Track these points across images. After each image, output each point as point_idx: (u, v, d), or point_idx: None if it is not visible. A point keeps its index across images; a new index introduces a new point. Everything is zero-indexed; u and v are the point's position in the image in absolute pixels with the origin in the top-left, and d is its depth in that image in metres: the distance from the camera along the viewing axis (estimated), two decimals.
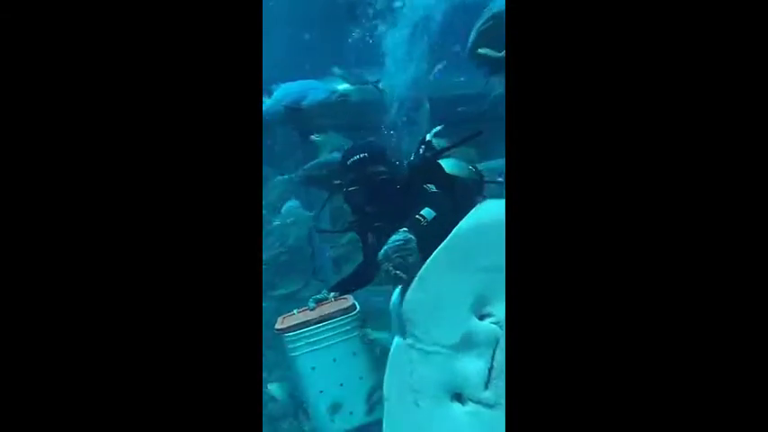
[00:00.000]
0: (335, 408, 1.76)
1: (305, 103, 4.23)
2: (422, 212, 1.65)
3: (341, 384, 1.76)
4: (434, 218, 1.64)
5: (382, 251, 1.46)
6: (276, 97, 4.35)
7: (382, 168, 1.95)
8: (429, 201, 1.79)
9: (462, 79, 4.60)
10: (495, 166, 2.39)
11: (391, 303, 1.46)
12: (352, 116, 4.08)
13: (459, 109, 4.25)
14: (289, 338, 1.75)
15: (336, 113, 4.10)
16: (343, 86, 4.32)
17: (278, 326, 1.79)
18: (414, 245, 1.46)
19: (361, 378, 1.78)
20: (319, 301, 1.87)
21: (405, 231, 1.50)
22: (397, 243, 1.46)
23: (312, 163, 3.91)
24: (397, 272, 1.43)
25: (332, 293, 1.93)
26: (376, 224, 1.99)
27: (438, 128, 2.21)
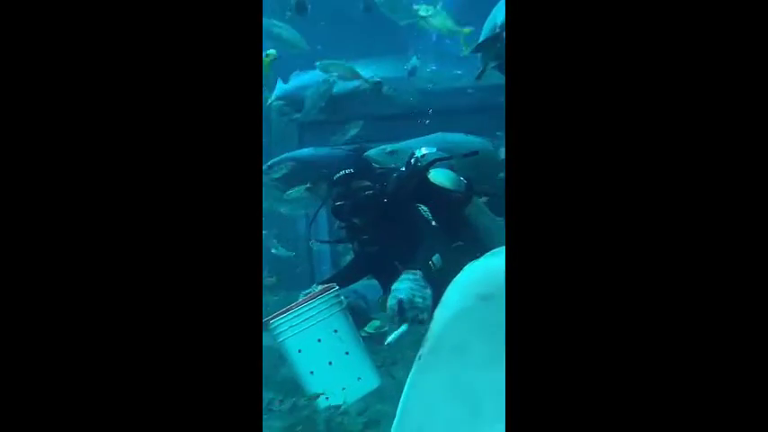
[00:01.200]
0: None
1: (335, 90, 4.15)
2: (433, 259, 1.74)
3: (330, 363, 1.83)
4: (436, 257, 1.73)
5: (403, 294, 1.53)
6: (299, 83, 4.29)
7: (367, 183, 2.02)
8: (424, 229, 1.88)
9: (459, 72, 4.62)
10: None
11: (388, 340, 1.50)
12: (383, 106, 4.03)
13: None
14: (273, 325, 1.83)
15: (367, 102, 4.03)
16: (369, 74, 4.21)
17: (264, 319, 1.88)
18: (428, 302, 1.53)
19: (347, 353, 1.85)
20: (308, 295, 1.95)
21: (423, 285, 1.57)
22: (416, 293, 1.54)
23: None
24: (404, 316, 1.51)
25: (320, 287, 2.00)
26: (363, 237, 2.08)
27: (429, 149, 2.26)
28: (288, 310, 1.84)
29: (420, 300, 1.51)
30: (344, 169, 2.04)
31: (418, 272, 1.58)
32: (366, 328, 3.01)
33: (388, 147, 3.20)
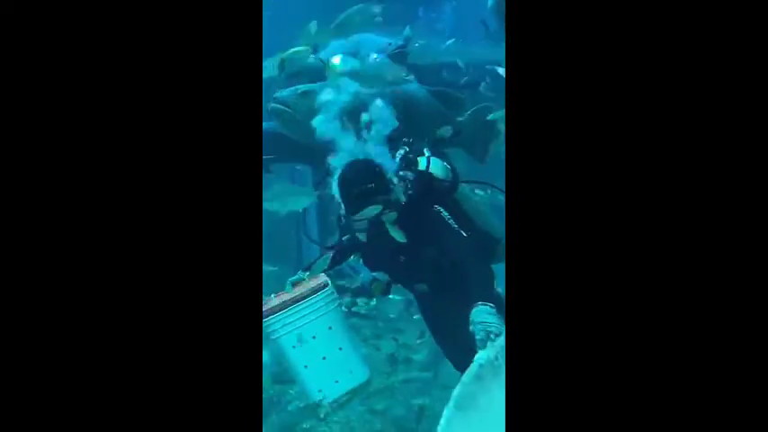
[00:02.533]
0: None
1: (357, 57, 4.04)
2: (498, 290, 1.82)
3: (323, 358, 1.93)
4: None
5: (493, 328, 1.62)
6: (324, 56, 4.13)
7: (383, 197, 1.99)
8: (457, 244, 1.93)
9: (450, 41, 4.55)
10: None
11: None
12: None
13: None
14: (266, 324, 1.88)
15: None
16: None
17: None
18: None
19: (340, 349, 1.95)
20: (295, 283, 1.99)
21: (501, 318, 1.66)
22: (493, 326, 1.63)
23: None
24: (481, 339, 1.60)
25: (306, 273, 2.04)
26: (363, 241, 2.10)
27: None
28: (284, 307, 1.89)
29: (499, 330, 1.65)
30: (365, 183, 1.97)
31: (494, 306, 1.71)
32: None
33: (301, 87, 3.05)
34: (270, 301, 1.90)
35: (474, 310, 1.68)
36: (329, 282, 1.98)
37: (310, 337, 1.90)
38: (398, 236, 1.95)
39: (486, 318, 1.65)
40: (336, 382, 1.93)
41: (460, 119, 3.25)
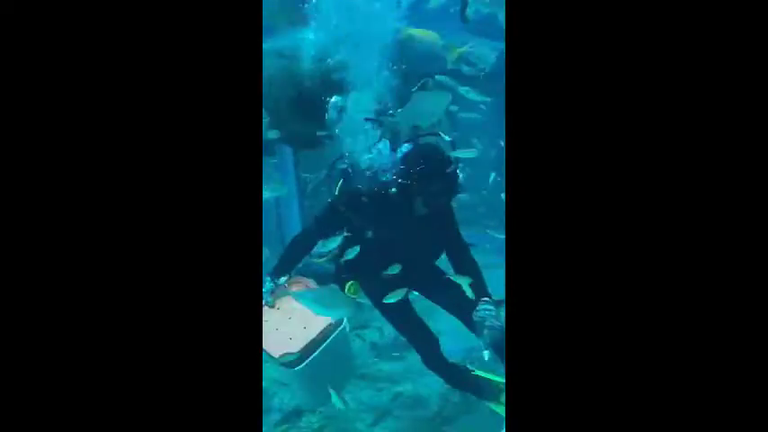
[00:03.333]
0: None
1: None
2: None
3: (330, 372, 2.17)
4: None
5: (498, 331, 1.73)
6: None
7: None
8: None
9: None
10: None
11: None
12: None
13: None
14: (298, 368, 2.07)
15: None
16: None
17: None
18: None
19: (345, 363, 2.26)
20: (273, 292, 2.04)
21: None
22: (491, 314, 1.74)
23: None
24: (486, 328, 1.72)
25: (281, 279, 2.07)
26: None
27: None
28: (306, 351, 2.04)
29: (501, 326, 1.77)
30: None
31: (492, 301, 1.84)
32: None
33: None
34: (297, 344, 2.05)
35: (481, 310, 1.80)
36: (344, 323, 2.15)
37: (323, 361, 2.08)
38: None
39: (492, 322, 1.77)
40: (339, 392, 2.13)
41: (413, 90, 3.27)
